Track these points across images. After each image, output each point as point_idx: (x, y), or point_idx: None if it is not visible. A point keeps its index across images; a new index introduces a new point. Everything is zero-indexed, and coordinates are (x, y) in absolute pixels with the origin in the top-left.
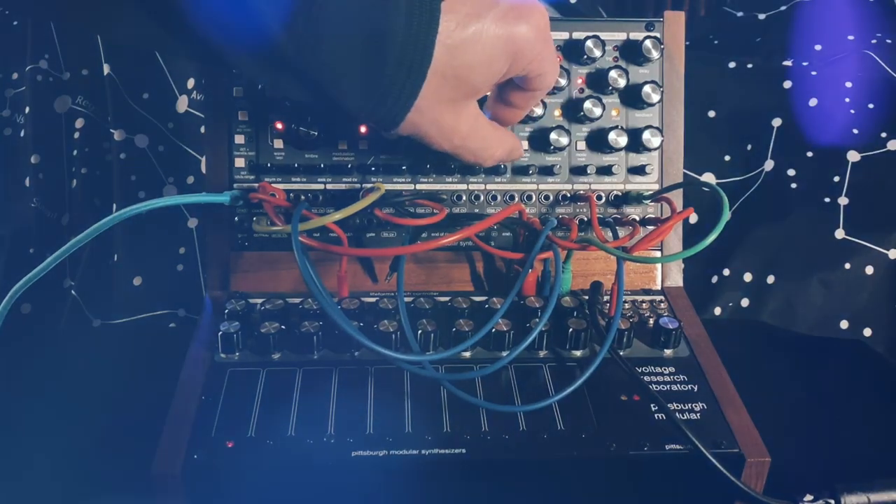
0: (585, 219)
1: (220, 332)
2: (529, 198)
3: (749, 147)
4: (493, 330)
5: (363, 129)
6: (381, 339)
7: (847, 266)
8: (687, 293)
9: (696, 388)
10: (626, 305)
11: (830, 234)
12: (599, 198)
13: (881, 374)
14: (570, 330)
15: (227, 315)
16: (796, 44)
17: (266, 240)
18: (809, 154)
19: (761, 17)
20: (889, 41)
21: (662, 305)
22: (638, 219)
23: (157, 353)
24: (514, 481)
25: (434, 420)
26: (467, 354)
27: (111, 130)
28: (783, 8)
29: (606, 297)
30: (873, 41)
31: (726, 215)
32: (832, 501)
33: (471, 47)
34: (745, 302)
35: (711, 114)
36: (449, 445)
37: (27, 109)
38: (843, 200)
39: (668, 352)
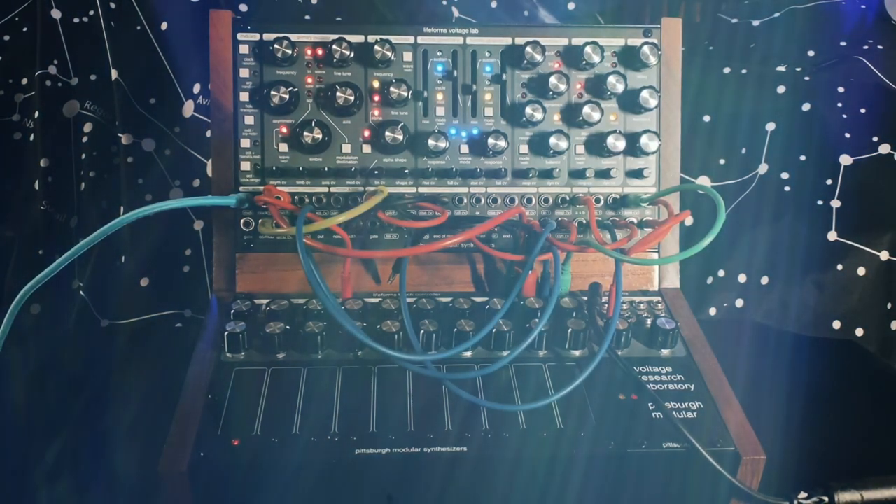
0: (584, 221)
1: (226, 332)
2: (529, 200)
3: (744, 151)
4: (494, 330)
5: (367, 133)
6: (383, 339)
7: (839, 267)
8: (682, 294)
9: (692, 388)
10: (624, 306)
11: (823, 236)
12: (598, 201)
13: (873, 373)
14: (570, 330)
15: (232, 315)
16: (790, 49)
17: (271, 241)
18: (802, 158)
19: (756, 23)
20: (881, 47)
21: (660, 306)
22: (636, 221)
23: (163, 352)
24: (514, 479)
25: (436, 419)
26: (468, 354)
27: (119, 134)
28: (777, 14)
29: (605, 298)
30: (865, 47)
31: (722, 218)
32: (826, 499)
33: None
34: (739, 302)
35: (707, 118)
36: (450, 443)
37: (36, 114)
38: (835, 203)
39: (665, 352)
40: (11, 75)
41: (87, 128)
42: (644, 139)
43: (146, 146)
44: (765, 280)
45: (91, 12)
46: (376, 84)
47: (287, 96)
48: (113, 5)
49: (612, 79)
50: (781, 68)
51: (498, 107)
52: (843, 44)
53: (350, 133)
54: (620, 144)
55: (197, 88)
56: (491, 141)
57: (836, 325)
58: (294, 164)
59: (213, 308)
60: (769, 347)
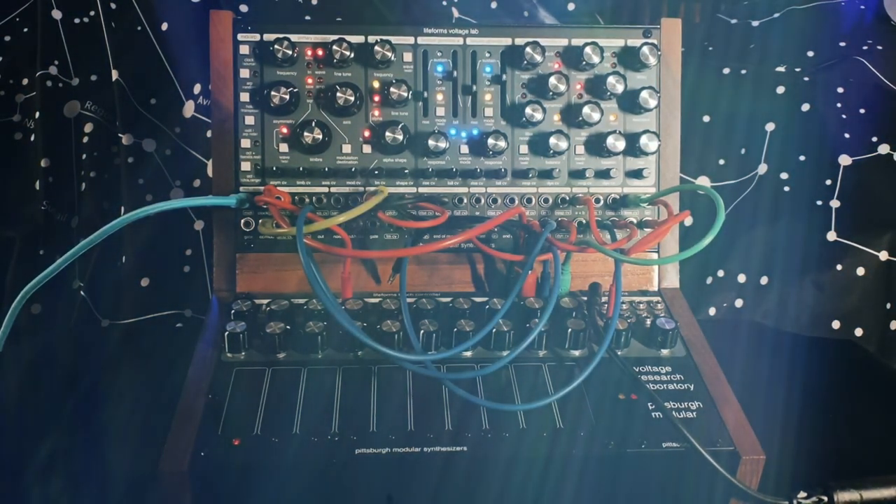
0: (584, 221)
1: (227, 332)
2: (529, 201)
3: (743, 151)
4: (494, 330)
5: (367, 134)
6: (383, 339)
7: (839, 267)
8: (682, 294)
9: (692, 388)
10: (624, 306)
11: (822, 237)
12: (598, 201)
13: (872, 373)
14: (569, 330)
15: (233, 315)
16: (789, 50)
17: (271, 241)
18: (802, 158)
19: (755, 24)
20: (880, 48)
21: (659, 306)
22: (635, 221)
23: (164, 352)
24: (514, 479)
25: (436, 418)
26: (468, 354)
27: (119, 135)
28: (776, 15)
29: (605, 298)
30: (864, 48)
31: (721, 218)
32: (825, 498)
33: None
34: (739, 302)
35: (706, 119)
36: (450, 443)
37: (37, 114)
38: (834, 203)
39: (664, 352)
40: (12, 76)
41: (88, 128)
42: (644, 139)
43: (147, 146)
44: (764, 280)
45: (91, 13)
46: (376, 84)
47: (287, 97)
48: (113, 6)
49: (611, 79)
50: (781, 69)
51: (498, 107)
52: (842, 44)
53: (350, 133)
54: (620, 145)
55: (197, 89)
56: (491, 141)
57: (836, 325)
58: (294, 165)
59: (213, 308)
60: (768, 347)
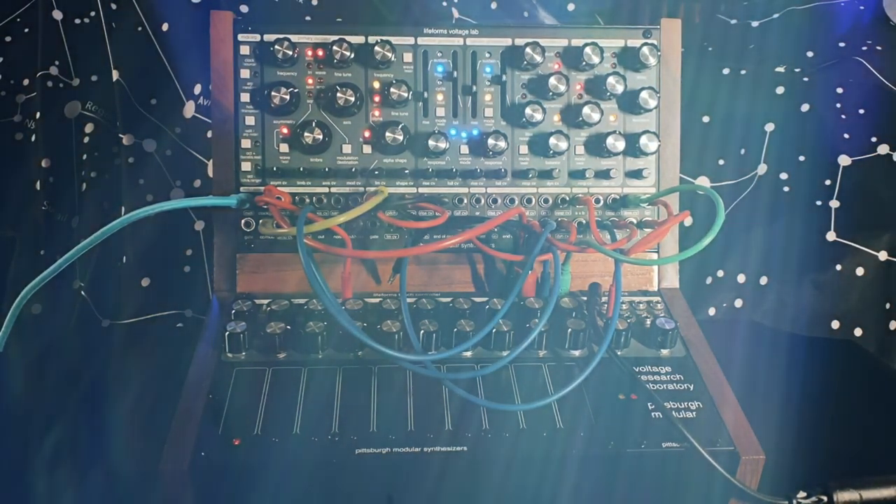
0: (584, 221)
1: (227, 332)
2: (529, 201)
3: (743, 151)
4: (494, 330)
5: (367, 134)
6: (384, 339)
7: (838, 267)
8: (682, 294)
9: (692, 388)
10: (624, 306)
11: (822, 237)
12: (598, 201)
13: (872, 372)
14: (569, 330)
15: (233, 315)
16: (789, 50)
17: (272, 242)
18: (801, 158)
19: (755, 24)
20: (879, 48)
21: (659, 306)
22: (635, 222)
23: (164, 352)
24: (514, 479)
25: (436, 418)
26: (468, 354)
27: (120, 135)
28: (776, 15)
29: (604, 298)
30: (864, 48)
31: (721, 218)
32: (825, 498)
33: None
34: (738, 302)
35: (706, 119)
36: (450, 443)
37: (38, 115)
38: (834, 203)
39: (664, 352)
40: (13, 76)
41: (89, 128)
42: (643, 140)
43: (147, 147)
44: (764, 280)
45: (92, 13)
46: (377, 85)
47: (287, 97)
48: (114, 6)
49: (611, 79)
50: (780, 69)
51: (498, 107)
52: (841, 45)
53: (350, 133)
54: (620, 145)
55: (198, 89)
56: (491, 141)
57: (835, 325)
58: (294, 165)
59: (213, 308)
60: (768, 347)
